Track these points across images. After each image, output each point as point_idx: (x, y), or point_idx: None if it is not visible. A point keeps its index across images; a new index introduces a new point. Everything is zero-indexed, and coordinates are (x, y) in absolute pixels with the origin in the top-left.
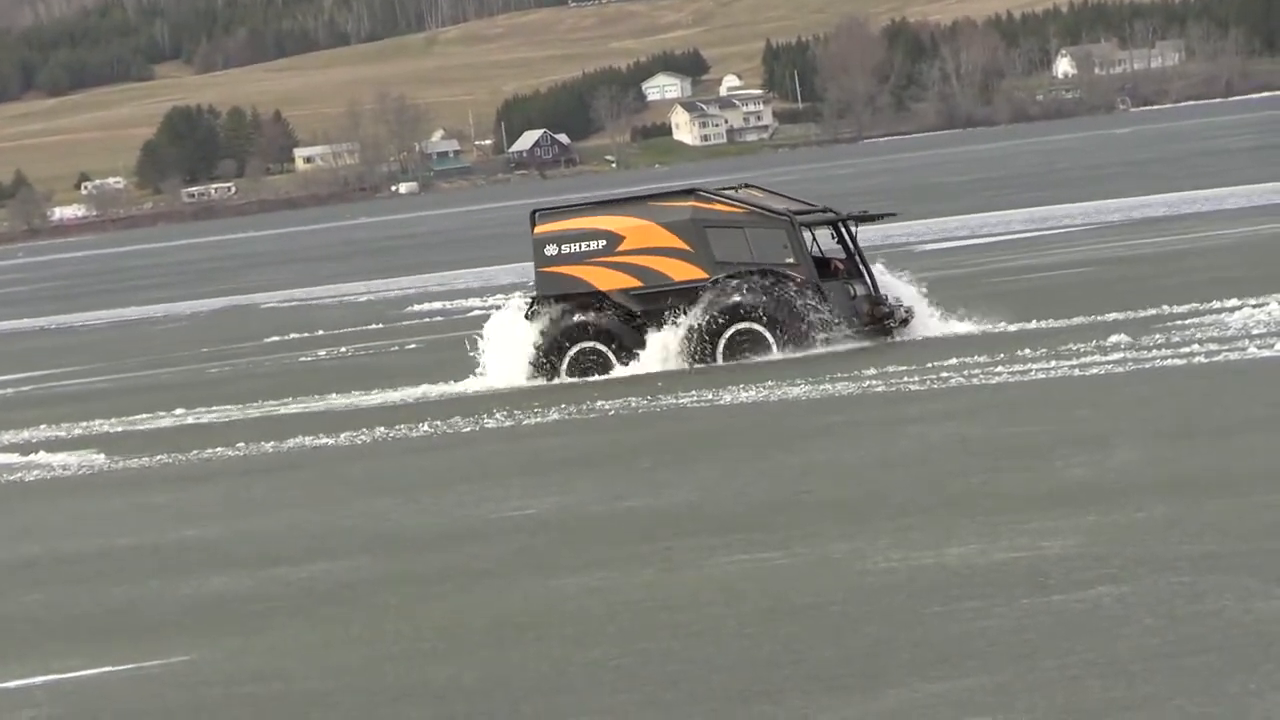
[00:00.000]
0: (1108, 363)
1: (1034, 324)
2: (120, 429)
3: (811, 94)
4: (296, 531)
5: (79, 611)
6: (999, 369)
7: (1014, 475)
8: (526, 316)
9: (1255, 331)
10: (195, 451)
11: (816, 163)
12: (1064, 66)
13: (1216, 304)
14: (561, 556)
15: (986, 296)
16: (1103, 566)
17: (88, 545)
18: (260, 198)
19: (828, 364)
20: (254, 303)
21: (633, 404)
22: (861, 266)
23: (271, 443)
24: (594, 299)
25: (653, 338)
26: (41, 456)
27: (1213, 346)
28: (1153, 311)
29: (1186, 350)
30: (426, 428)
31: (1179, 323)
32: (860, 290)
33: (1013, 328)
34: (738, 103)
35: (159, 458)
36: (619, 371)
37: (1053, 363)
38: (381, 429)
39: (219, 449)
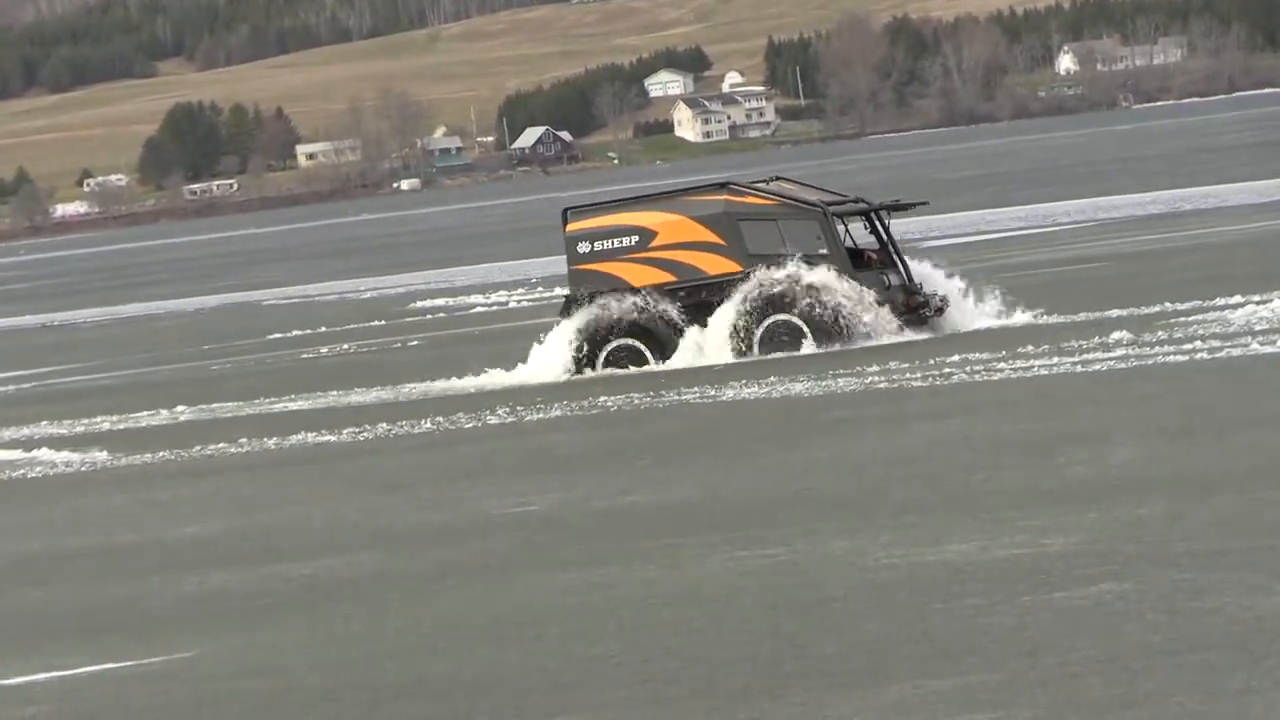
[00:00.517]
0: (1110, 359)
1: (1038, 319)
2: (122, 426)
3: (814, 90)
4: (298, 527)
5: (81, 608)
6: (1001, 365)
7: (1016, 472)
8: (561, 313)
9: (1258, 328)
10: (197, 448)
11: (819, 159)
12: (1066, 63)
13: (1219, 301)
14: (563, 552)
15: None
16: (1105, 563)
17: (90, 542)
18: (262, 194)
19: (829, 360)
20: (256, 299)
21: (635, 400)
22: (895, 256)
23: (274, 439)
24: (628, 295)
25: (688, 332)
26: (44, 453)
27: (1215, 343)
28: (1155, 308)
29: (1189, 347)
30: (429, 424)
31: (1182, 319)
32: (895, 280)
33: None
34: (740, 99)
35: (161, 454)
36: (654, 367)
37: (1055, 359)
38: (384, 425)
39: (221, 445)
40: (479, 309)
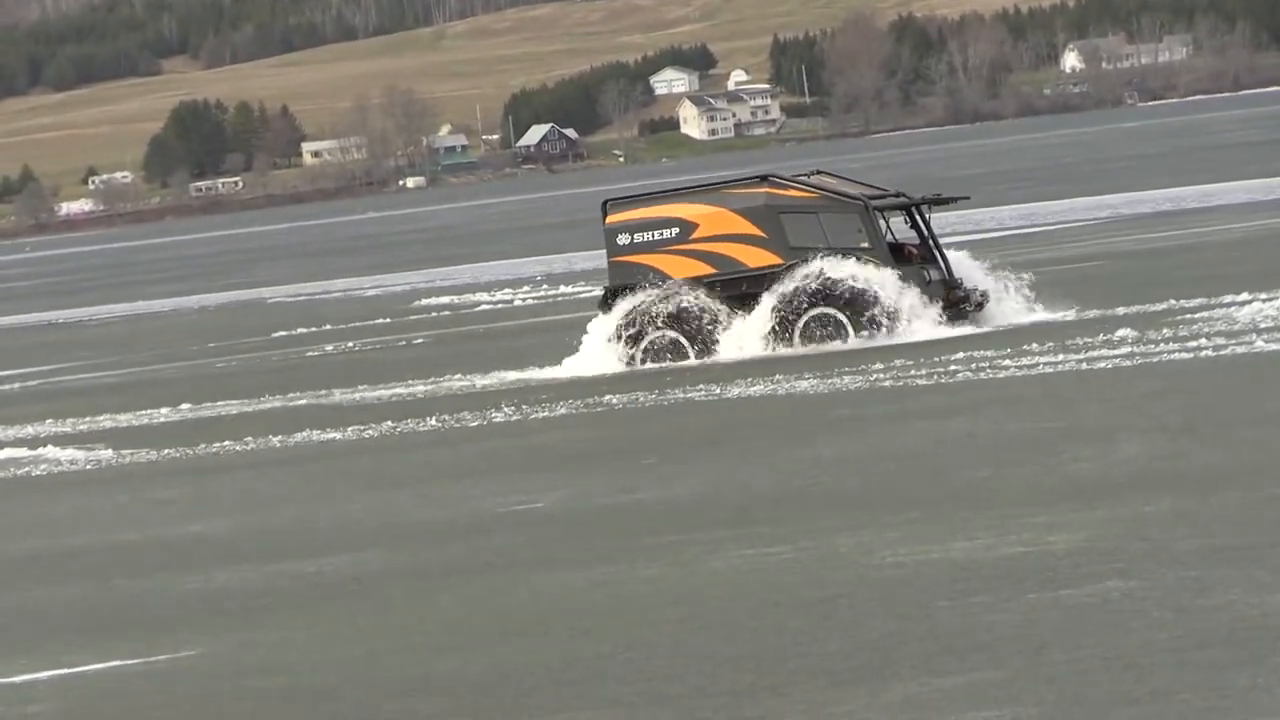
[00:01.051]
0: (1115, 357)
1: (1043, 317)
2: (127, 423)
3: (819, 88)
4: (303, 526)
5: (86, 606)
6: (1006, 363)
7: (1021, 470)
8: (600, 306)
9: (1263, 325)
10: (202, 446)
11: (824, 157)
12: (1071, 61)
13: (1225, 298)
14: (568, 550)
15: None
16: (1110, 560)
17: (95, 540)
18: (267, 192)
19: (835, 359)
20: (261, 297)
21: (640, 398)
22: (936, 251)
23: (279, 437)
24: (669, 286)
25: (728, 325)
26: (49, 451)
27: (1220, 340)
28: (1161, 306)
29: (1194, 344)
30: (434, 422)
31: (1187, 317)
32: (935, 275)
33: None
34: (745, 97)
35: (166, 452)
36: (693, 361)
37: (1059, 356)
38: (389, 423)
39: (226, 443)
40: (484, 306)
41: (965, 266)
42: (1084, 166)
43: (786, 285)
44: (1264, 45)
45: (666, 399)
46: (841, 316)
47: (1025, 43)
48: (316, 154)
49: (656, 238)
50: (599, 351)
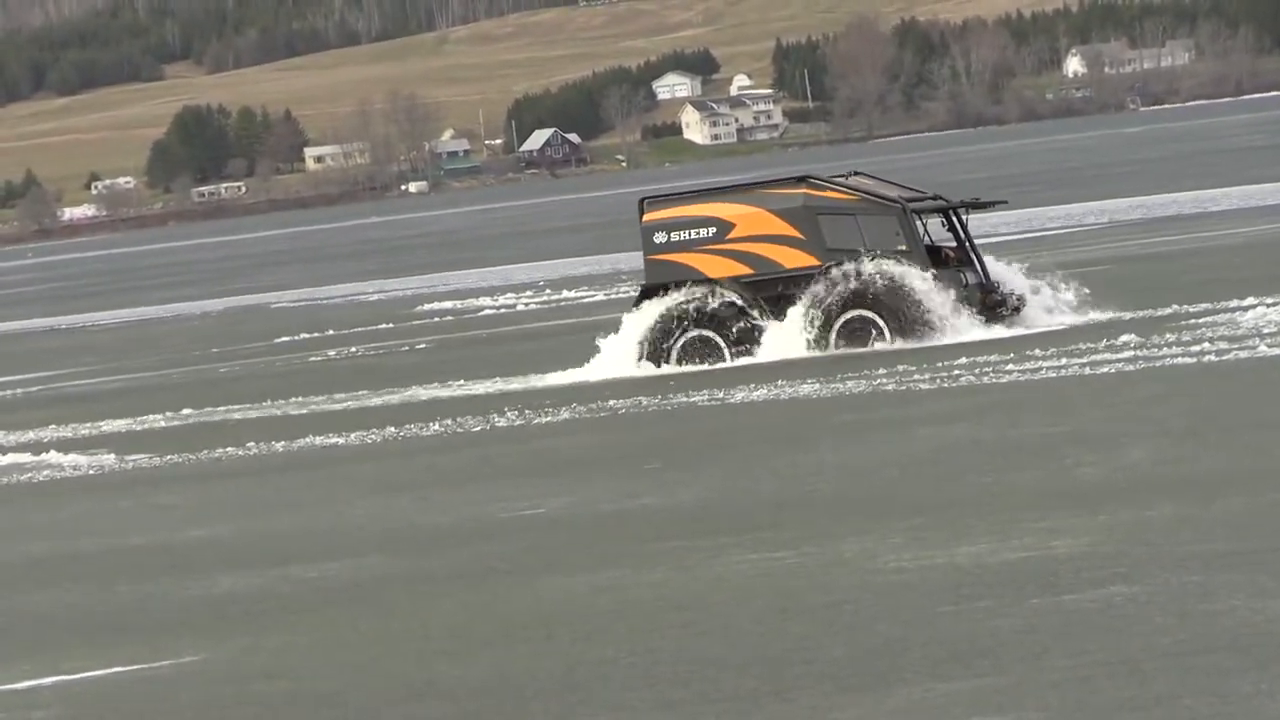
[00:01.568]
0: (1118, 361)
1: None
2: (130, 429)
3: (822, 93)
4: (306, 531)
5: (88, 611)
6: (1009, 367)
7: (1024, 474)
8: (634, 304)
9: (1266, 330)
10: (205, 451)
11: (827, 162)
12: (1074, 65)
13: (1228, 303)
14: (572, 556)
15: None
16: (1114, 565)
17: (98, 545)
18: (270, 197)
19: (839, 363)
20: (264, 302)
21: (643, 403)
22: (973, 254)
23: (281, 442)
24: (705, 286)
25: (765, 325)
26: (52, 456)
27: (1223, 345)
28: (1165, 310)
29: (1197, 349)
30: (437, 426)
31: (1190, 321)
32: (972, 278)
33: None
34: (748, 102)
35: (169, 457)
36: (729, 362)
37: (1063, 361)
38: (391, 428)
39: (229, 449)
40: (487, 311)
41: (1002, 270)
42: (1087, 171)
43: (823, 287)
44: (1267, 50)
45: (670, 404)
46: (878, 319)
47: (1028, 47)
48: (319, 159)
49: (693, 237)
50: (630, 350)
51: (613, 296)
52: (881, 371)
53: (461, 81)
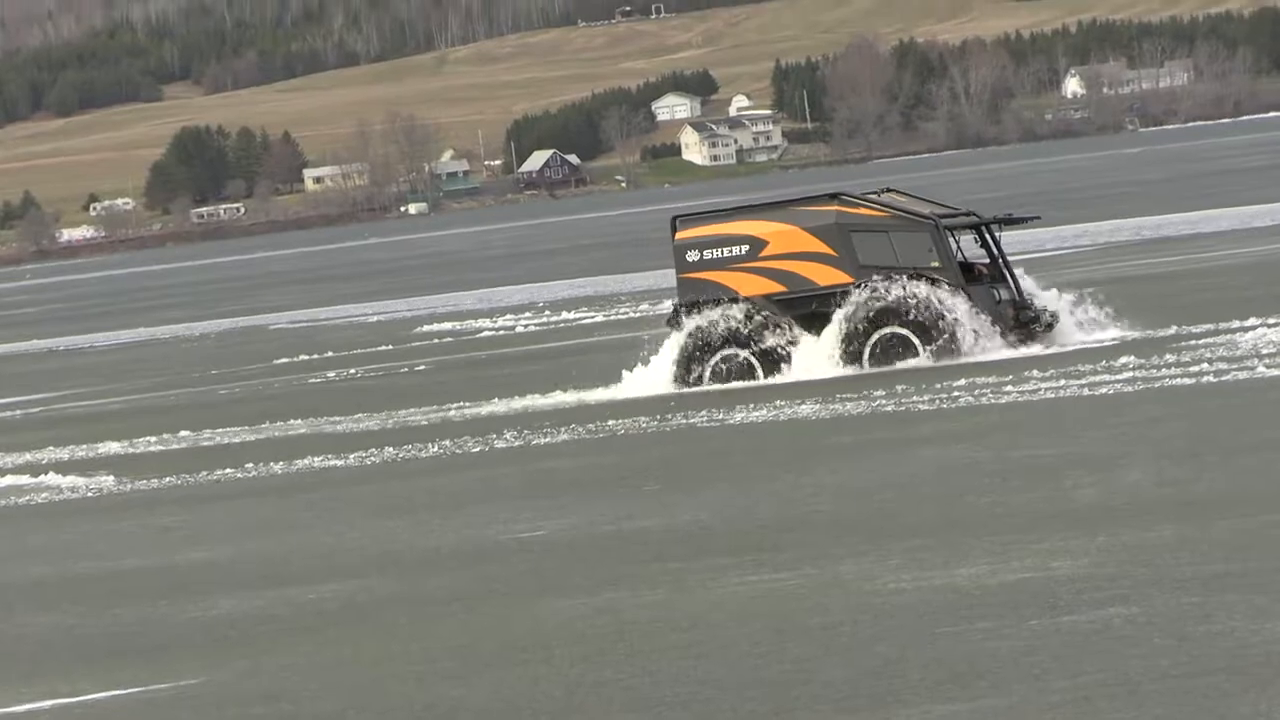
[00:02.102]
0: (1117, 382)
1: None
2: (129, 451)
3: (821, 114)
4: (306, 552)
5: (87, 634)
6: (1008, 388)
7: (1023, 496)
8: (668, 323)
9: (1265, 351)
10: (204, 473)
11: (826, 183)
12: (1073, 86)
13: (1231, 323)
14: (571, 577)
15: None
16: (1113, 587)
17: (97, 567)
18: (269, 218)
19: (837, 384)
20: (263, 324)
21: (642, 424)
22: (1005, 271)
23: (280, 464)
24: (738, 304)
25: (798, 344)
26: (51, 478)
27: (1222, 366)
28: (1164, 331)
29: (1196, 370)
30: (436, 448)
31: (1190, 342)
32: (1005, 295)
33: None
34: (747, 123)
35: (168, 479)
36: (761, 380)
37: (1061, 382)
38: (390, 450)
39: (228, 470)
40: (486, 333)
41: (1031, 287)
42: (1086, 192)
43: (856, 304)
44: (1265, 71)
45: (669, 425)
46: (912, 336)
47: (1027, 68)
48: (318, 180)
49: (726, 255)
50: (664, 369)
51: (612, 318)
52: (880, 393)
53: (460, 102)
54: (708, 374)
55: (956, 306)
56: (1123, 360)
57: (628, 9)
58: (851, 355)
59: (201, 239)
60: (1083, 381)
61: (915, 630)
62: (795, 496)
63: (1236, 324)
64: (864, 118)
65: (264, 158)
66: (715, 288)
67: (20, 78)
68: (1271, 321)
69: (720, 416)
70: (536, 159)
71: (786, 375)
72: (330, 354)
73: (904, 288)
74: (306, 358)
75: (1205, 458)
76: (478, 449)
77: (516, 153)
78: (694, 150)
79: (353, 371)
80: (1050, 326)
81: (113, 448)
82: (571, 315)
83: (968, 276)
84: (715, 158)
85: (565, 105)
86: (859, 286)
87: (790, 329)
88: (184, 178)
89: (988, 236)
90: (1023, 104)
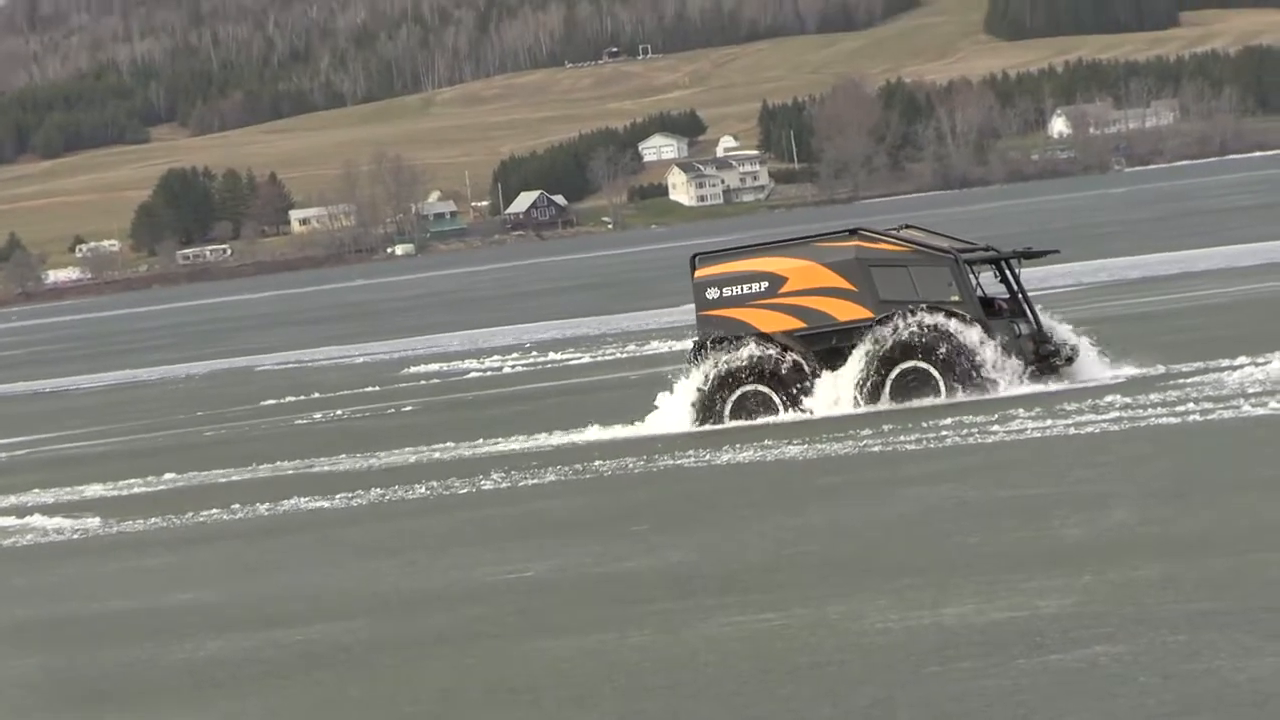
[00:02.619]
0: (1103, 421)
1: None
2: (115, 492)
3: (808, 154)
4: (292, 594)
5: (73, 676)
6: (995, 428)
7: (1010, 535)
8: (689, 360)
9: (1251, 390)
10: (190, 514)
11: (813, 223)
12: (1059, 126)
13: (1222, 362)
14: (559, 618)
15: None
16: (1099, 626)
17: (83, 609)
18: (256, 260)
19: (824, 424)
20: (250, 365)
21: (629, 465)
22: (1025, 305)
23: (267, 505)
24: (758, 341)
25: (818, 380)
26: (36, 520)
27: (1208, 405)
28: (1151, 370)
29: (1182, 409)
30: (423, 489)
31: (1176, 381)
32: (1025, 329)
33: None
34: (734, 163)
35: (153, 521)
36: (783, 416)
37: (1048, 421)
38: (378, 491)
39: (214, 512)
40: (473, 374)
41: (1053, 322)
42: (1073, 231)
43: (877, 339)
44: (1250, 110)
45: (656, 466)
46: (933, 371)
47: (1013, 108)
48: (305, 221)
49: (745, 292)
50: (684, 407)
51: (599, 359)
52: (866, 432)
53: (447, 143)
54: (728, 411)
55: (977, 341)
56: (1109, 399)
57: (615, 50)
58: (872, 390)
59: (188, 280)
60: (1069, 421)
61: (903, 670)
62: (782, 537)
63: (1224, 363)
64: (850, 158)
65: (250, 199)
66: (735, 324)
67: (6, 120)
68: (1260, 360)
69: (707, 457)
70: (523, 200)
71: (807, 411)
72: (317, 395)
73: (924, 322)
74: (293, 399)
75: (1191, 497)
76: (465, 490)
77: (503, 194)
78: (681, 191)
79: (339, 413)
80: (1070, 361)
81: (98, 490)
82: (559, 356)
83: (988, 311)
84: (702, 198)
85: (552, 146)
86: (880, 321)
87: (811, 365)
88: (170, 219)
89: (1007, 271)
90: (1009, 144)
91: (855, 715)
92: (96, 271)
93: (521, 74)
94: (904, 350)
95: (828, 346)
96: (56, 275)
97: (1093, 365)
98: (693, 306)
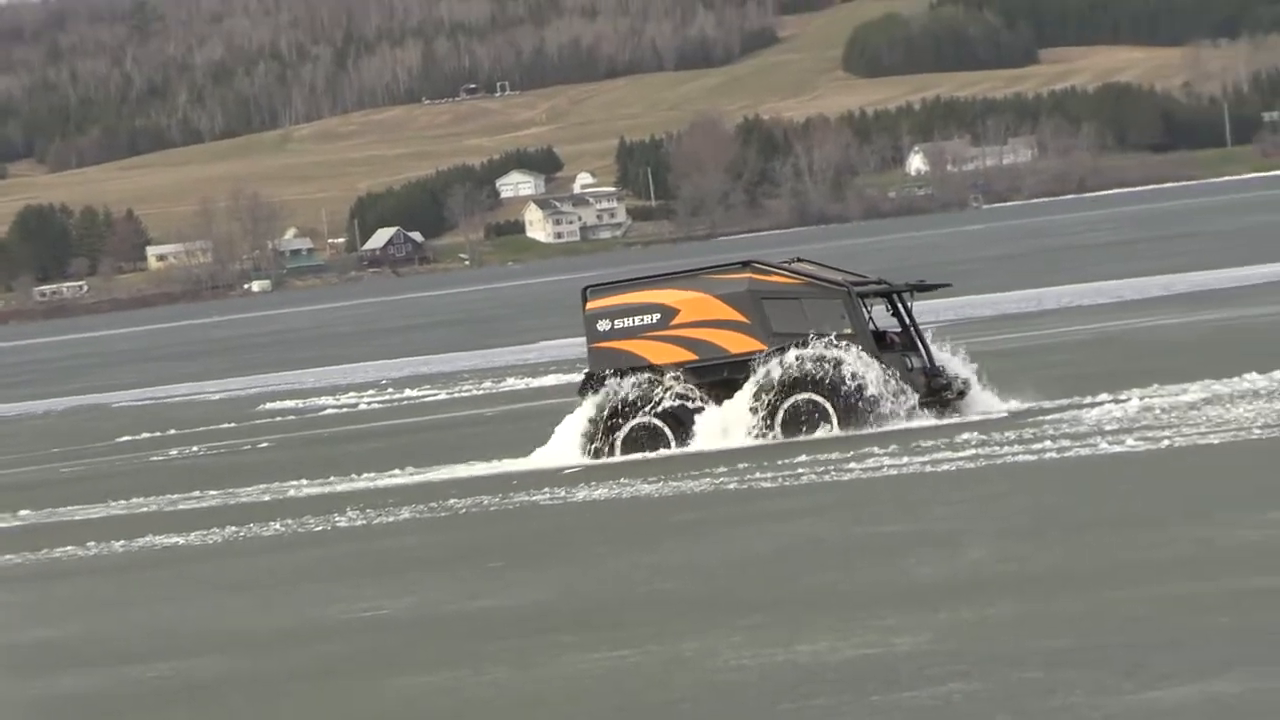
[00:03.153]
0: (959, 459)
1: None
2: None
3: (665, 191)
4: (146, 630)
5: None
6: (851, 465)
7: (866, 572)
8: (579, 393)
9: (1108, 428)
10: (45, 550)
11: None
12: (916, 163)
13: (1080, 399)
14: (413, 656)
15: None
16: (954, 663)
17: None
18: (113, 296)
19: (679, 461)
20: (106, 402)
21: (485, 502)
22: (917, 338)
23: (121, 541)
24: (649, 373)
25: (710, 412)
26: None
27: (1065, 442)
28: (1009, 407)
29: (1038, 447)
30: (278, 526)
31: (1033, 418)
32: (917, 363)
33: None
34: (591, 200)
35: (8, 557)
36: (673, 450)
37: (904, 459)
38: (232, 527)
39: (69, 548)
40: (329, 410)
41: (945, 355)
42: (931, 269)
43: (768, 371)
44: (1108, 147)
45: (511, 503)
46: (825, 403)
47: (870, 145)
48: (161, 258)
49: (637, 323)
50: (574, 441)
51: (455, 395)
52: (722, 469)
53: (305, 180)
54: (619, 443)
55: (869, 373)
56: (964, 437)
57: (472, 86)
58: (763, 422)
59: (44, 317)
60: (925, 458)
61: (757, 707)
62: (637, 574)
63: (1084, 399)
64: (708, 195)
65: (107, 235)
66: (627, 357)
67: None
68: (1121, 397)
69: (562, 494)
70: (380, 236)
71: (698, 443)
72: (173, 431)
73: (817, 355)
74: (149, 435)
75: (1046, 534)
76: (319, 527)
77: (360, 230)
78: (538, 228)
79: (195, 449)
80: (962, 395)
81: None
82: (415, 392)
83: (880, 344)
84: (559, 235)
85: (409, 183)
86: (772, 354)
87: (702, 397)
88: (26, 256)
89: (899, 304)
90: (866, 181)
91: None
92: None
93: (379, 110)
94: (796, 382)
95: (719, 378)
96: None
97: (984, 399)
98: (582, 339)
